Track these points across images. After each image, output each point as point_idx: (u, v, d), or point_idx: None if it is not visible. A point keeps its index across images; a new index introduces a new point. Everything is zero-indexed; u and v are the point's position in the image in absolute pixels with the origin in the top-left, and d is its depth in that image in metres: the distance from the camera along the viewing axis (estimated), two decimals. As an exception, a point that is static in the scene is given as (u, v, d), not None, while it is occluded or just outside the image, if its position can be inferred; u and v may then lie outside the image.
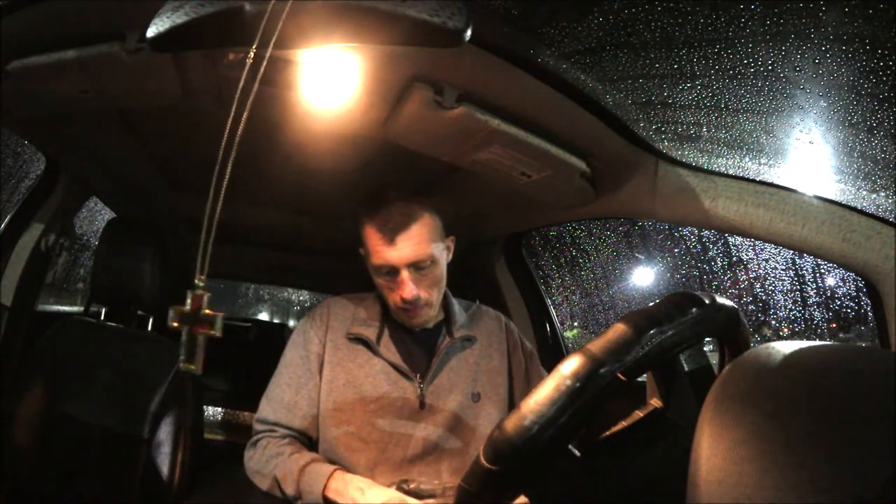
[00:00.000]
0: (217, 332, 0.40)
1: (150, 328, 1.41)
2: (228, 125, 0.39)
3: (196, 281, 0.40)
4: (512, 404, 1.05)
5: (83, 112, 0.99)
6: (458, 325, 1.06)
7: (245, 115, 0.38)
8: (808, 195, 0.78)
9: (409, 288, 0.93)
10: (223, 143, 0.39)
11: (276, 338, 2.53)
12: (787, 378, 0.31)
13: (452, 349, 1.04)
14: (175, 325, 0.40)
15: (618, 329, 0.49)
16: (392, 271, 0.94)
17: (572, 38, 0.67)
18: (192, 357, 0.39)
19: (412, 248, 0.92)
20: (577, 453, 0.57)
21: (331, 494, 0.87)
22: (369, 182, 1.34)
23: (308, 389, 1.00)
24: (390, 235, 0.92)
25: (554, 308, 1.61)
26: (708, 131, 0.82)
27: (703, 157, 0.87)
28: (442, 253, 0.98)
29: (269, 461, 0.94)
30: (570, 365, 0.48)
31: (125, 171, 1.38)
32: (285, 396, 1.00)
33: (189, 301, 0.40)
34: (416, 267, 0.94)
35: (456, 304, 1.10)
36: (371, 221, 0.94)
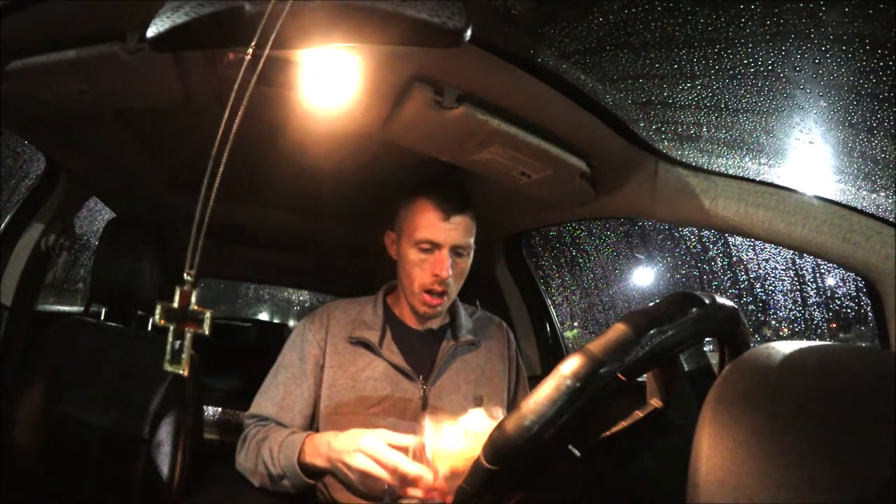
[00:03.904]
0: (205, 330, 0.38)
1: (150, 328, 1.41)
2: (223, 122, 0.39)
3: (185, 276, 0.38)
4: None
5: (83, 112, 0.99)
6: (463, 330, 1.06)
7: (240, 113, 0.38)
8: (808, 195, 0.78)
9: (446, 266, 0.95)
10: (217, 140, 0.38)
11: (276, 338, 2.53)
12: (787, 378, 0.31)
13: (456, 352, 1.04)
14: (162, 322, 0.38)
15: (618, 329, 0.49)
16: (434, 248, 0.97)
17: (572, 38, 0.67)
18: (178, 356, 0.37)
19: (462, 232, 0.97)
20: (577, 453, 0.57)
21: (306, 458, 0.87)
22: (369, 182, 1.34)
23: (301, 391, 0.99)
24: (448, 213, 0.96)
25: (554, 308, 1.61)
26: (708, 131, 0.82)
27: (703, 157, 0.87)
28: (472, 253, 1.02)
29: (257, 446, 0.94)
30: (570, 365, 0.48)
31: (125, 171, 1.38)
32: (277, 395, 0.99)
33: (177, 297, 0.38)
34: (456, 252, 0.98)
35: (462, 309, 1.10)
36: (428, 198, 0.98)
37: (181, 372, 0.37)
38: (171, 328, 0.38)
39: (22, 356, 1.24)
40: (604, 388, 0.47)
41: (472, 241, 1.00)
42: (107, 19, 0.69)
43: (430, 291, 0.98)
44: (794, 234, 0.77)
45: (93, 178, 1.38)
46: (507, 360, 1.10)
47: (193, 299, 0.38)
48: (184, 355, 0.38)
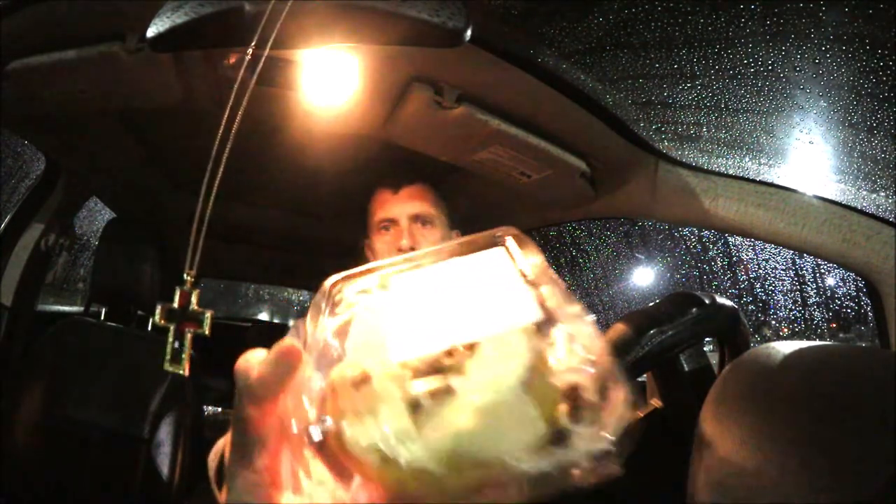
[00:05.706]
0: (205, 331, 0.37)
1: (150, 328, 1.41)
2: (223, 121, 0.39)
3: (185, 276, 0.38)
4: None
5: (83, 112, 0.99)
6: None
7: (240, 113, 0.38)
8: (808, 195, 0.78)
9: (404, 235, 0.92)
10: (217, 139, 0.38)
11: (276, 338, 2.53)
12: (787, 378, 0.31)
13: None
14: (162, 322, 0.37)
15: (618, 329, 0.49)
16: (392, 224, 0.95)
17: (572, 38, 0.67)
18: (178, 356, 0.37)
19: (416, 200, 0.95)
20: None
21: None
22: (369, 182, 1.34)
23: None
24: (396, 188, 0.96)
25: (554, 308, 1.61)
26: (708, 131, 0.82)
27: (703, 157, 0.87)
28: (445, 224, 0.99)
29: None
30: (570, 365, 0.48)
31: (125, 171, 1.38)
32: None
33: (177, 297, 0.37)
34: (419, 220, 0.95)
35: None
36: (381, 185, 0.99)
37: (181, 372, 0.37)
38: (171, 328, 0.37)
39: (22, 356, 1.24)
40: (604, 388, 0.46)
41: (431, 209, 0.96)
42: (107, 19, 0.69)
43: None
44: (794, 234, 0.77)
45: (93, 178, 1.38)
46: None
47: (194, 299, 0.38)
48: (184, 355, 0.37)
